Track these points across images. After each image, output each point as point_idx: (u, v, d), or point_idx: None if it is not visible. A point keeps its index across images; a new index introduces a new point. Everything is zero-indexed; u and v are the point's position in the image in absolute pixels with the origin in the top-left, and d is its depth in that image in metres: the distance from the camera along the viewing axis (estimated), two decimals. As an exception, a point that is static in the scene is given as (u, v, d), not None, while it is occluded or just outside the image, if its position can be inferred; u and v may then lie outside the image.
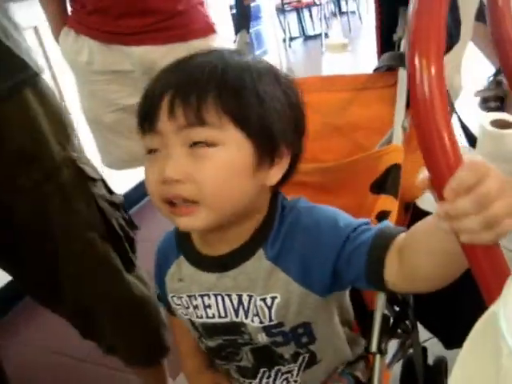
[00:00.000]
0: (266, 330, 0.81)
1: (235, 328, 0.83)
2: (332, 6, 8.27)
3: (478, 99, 3.49)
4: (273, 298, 0.79)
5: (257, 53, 1.30)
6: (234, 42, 1.24)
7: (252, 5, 1.28)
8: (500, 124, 1.07)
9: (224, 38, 1.60)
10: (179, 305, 0.89)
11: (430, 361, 1.44)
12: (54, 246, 1.11)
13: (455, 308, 1.16)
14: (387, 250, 0.74)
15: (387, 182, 0.97)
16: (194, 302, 0.86)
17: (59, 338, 2.04)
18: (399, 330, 1.10)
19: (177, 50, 1.40)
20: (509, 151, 1.01)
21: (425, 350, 1.40)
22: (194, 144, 0.72)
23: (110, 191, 1.20)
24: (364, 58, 2.17)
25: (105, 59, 1.58)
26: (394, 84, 1.07)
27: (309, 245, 0.78)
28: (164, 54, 1.53)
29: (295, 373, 0.89)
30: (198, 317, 0.87)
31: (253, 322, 0.81)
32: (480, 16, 3.08)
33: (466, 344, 0.38)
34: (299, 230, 0.80)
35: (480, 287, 0.52)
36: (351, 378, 0.95)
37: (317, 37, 7.38)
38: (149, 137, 0.75)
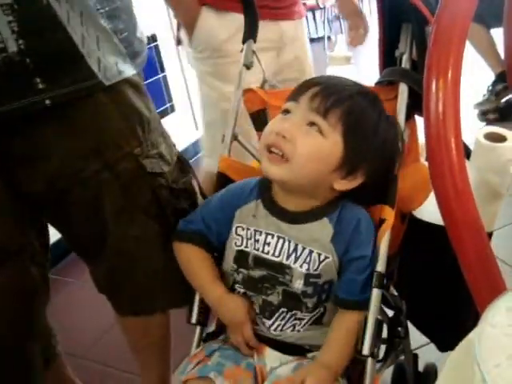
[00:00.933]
0: (306, 277, 1.00)
1: (281, 268, 1.01)
2: (336, 10, 8.30)
3: (476, 111, 3.52)
4: (326, 257, 0.99)
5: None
6: (241, 51, 1.27)
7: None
8: (494, 137, 1.10)
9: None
10: (240, 235, 1.05)
11: (421, 367, 1.47)
12: (105, 223, 1.16)
13: (451, 311, 1.19)
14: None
15: (385, 191, 1.02)
16: (258, 237, 1.03)
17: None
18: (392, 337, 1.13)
19: (285, 27, 1.85)
20: (500, 164, 1.05)
21: (416, 356, 1.44)
22: (311, 124, 0.95)
23: (184, 173, 1.25)
24: (367, 69, 2.21)
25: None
26: (394, 97, 1.11)
27: (352, 238, 1.00)
28: (285, 29, 1.86)
29: (304, 322, 1.02)
30: (255, 249, 1.03)
31: (301, 268, 1.00)
32: (478, 18, 3.11)
33: (446, 365, 0.42)
34: (353, 223, 1.01)
35: (474, 299, 0.56)
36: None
37: (320, 39, 7.42)
38: (290, 102, 1.00)
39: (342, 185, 1.00)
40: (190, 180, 1.26)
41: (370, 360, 0.94)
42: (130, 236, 1.17)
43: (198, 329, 1.11)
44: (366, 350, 0.93)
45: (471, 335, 0.39)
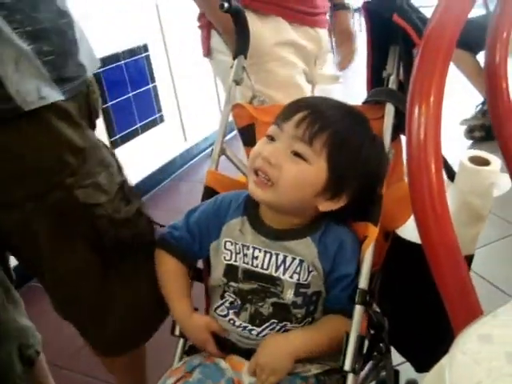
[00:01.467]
0: (297, 287, 1.02)
1: (272, 280, 1.03)
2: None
3: (463, 128, 3.57)
4: (314, 269, 1.02)
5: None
6: (231, 67, 1.29)
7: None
8: (478, 161, 1.12)
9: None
10: (228, 250, 1.07)
11: (402, 383, 1.48)
12: (41, 253, 1.13)
13: (430, 332, 1.21)
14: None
15: (369, 209, 1.04)
16: (246, 251, 1.06)
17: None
18: (374, 353, 1.15)
19: (321, 33, 1.85)
20: (483, 187, 1.07)
21: (397, 372, 1.45)
22: (295, 152, 0.97)
23: (128, 202, 1.22)
24: (355, 88, 2.24)
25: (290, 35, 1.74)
26: (381, 117, 1.13)
27: (337, 257, 1.03)
28: (322, 36, 1.85)
29: None
30: (244, 262, 1.06)
31: (291, 278, 1.02)
32: (463, 44, 3.16)
33: None
34: (336, 244, 1.04)
35: (451, 322, 0.58)
36: None
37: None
38: (275, 128, 1.02)
39: (327, 206, 1.02)
40: (137, 208, 1.23)
41: (350, 376, 0.95)
42: (68, 267, 1.15)
43: (181, 341, 1.12)
44: (347, 366, 0.94)
45: (443, 360, 0.40)
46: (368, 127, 1.05)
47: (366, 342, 1.03)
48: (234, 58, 1.30)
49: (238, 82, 1.28)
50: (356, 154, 1.00)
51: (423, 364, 1.28)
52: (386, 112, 1.11)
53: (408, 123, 0.58)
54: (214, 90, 4.01)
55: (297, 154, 0.98)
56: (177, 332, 1.11)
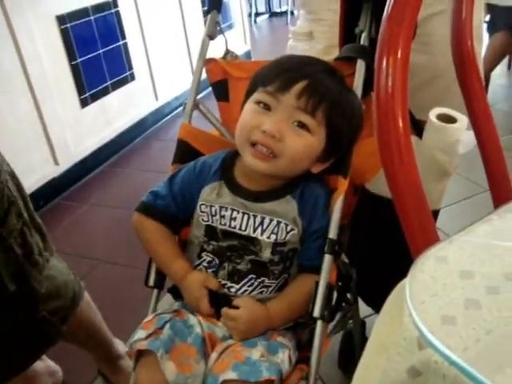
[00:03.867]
0: (274, 247, 1.04)
1: (249, 240, 1.05)
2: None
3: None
4: (292, 229, 1.04)
5: (222, 26, 1.31)
6: (205, 22, 1.28)
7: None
8: (445, 118, 1.15)
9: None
10: (204, 212, 1.08)
11: (368, 334, 1.54)
12: None
13: (395, 284, 1.25)
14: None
15: (340, 163, 1.07)
16: (223, 213, 1.06)
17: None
18: (342, 304, 1.19)
19: None
20: (450, 144, 1.10)
21: (363, 323, 1.51)
22: (298, 123, 0.99)
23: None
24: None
25: None
26: (352, 74, 1.14)
27: (312, 213, 1.05)
28: None
29: (270, 289, 1.07)
30: (221, 224, 1.06)
31: (268, 239, 1.04)
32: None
33: (382, 310, 0.47)
34: (312, 200, 1.06)
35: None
36: (295, 336, 1.06)
37: (283, 14, 7.40)
38: (268, 96, 1.01)
39: (319, 168, 1.06)
40: None
41: (319, 322, 0.99)
42: None
43: (155, 292, 1.14)
44: (316, 313, 0.98)
45: (403, 281, 0.44)
46: (344, 82, 1.08)
47: (335, 294, 1.07)
48: (207, 13, 1.29)
49: (211, 37, 1.27)
50: (350, 118, 1.04)
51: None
52: (358, 68, 1.12)
53: (377, 71, 0.60)
54: (186, 49, 3.96)
55: (300, 125, 0.99)
56: (151, 282, 1.13)
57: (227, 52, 1.32)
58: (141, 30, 3.51)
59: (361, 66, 1.12)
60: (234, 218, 1.06)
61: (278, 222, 1.05)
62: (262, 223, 1.05)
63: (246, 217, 1.06)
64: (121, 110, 3.40)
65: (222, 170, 1.10)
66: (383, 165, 0.65)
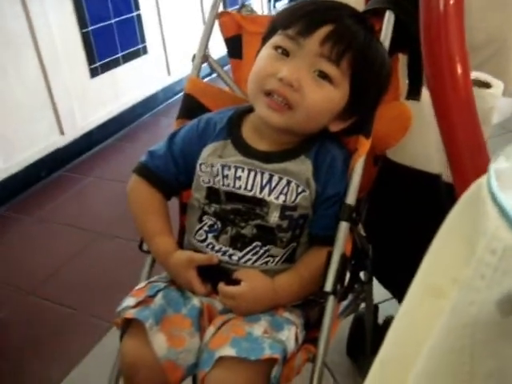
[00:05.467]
0: (282, 210, 0.93)
1: (256, 201, 0.94)
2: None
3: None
4: (303, 190, 0.93)
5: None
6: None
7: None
8: (478, 83, 1.06)
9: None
10: (205, 172, 0.98)
11: (381, 320, 1.44)
12: None
13: (415, 265, 1.15)
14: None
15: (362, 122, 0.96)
16: (226, 172, 0.96)
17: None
18: (355, 285, 1.09)
19: None
20: (483, 112, 1.00)
21: (376, 307, 1.40)
22: (320, 73, 0.88)
23: None
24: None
25: None
26: (378, 30, 1.03)
27: (327, 176, 0.95)
28: None
29: (277, 259, 0.96)
30: (224, 185, 0.96)
31: (277, 200, 0.93)
32: None
33: (441, 229, 0.35)
34: (327, 161, 0.96)
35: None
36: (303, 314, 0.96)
37: (304, 0, 7.25)
38: (288, 40, 0.89)
39: (338, 126, 0.96)
40: None
41: (331, 298, 0.89)
42: None
43: (149, 258, 1.04)
44: (328, 287, 0.88)
45: (478, 181, 0.31)
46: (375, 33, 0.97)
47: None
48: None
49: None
50: (378, 71, 0.93)
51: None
52: (386, 20, 1.00)
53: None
54: (201, 25, 3.85)
55: (322, 75, 0.88)
56: (145, 247, 1.03)
57: (242, 5, 1.22)
58: (156, 2, 3.40)
59: (389, 18, 1.01)
60: (239, 177, 0.95)
61: (288, 182, 0.94)
62: (270, 181, 0.94)
63: (252, 174, 0.95)
64: (131, 83, 3.29)
65: (229, 128, 0.99)
66: (431, 83, 0.53)
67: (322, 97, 0.89)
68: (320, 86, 0.89)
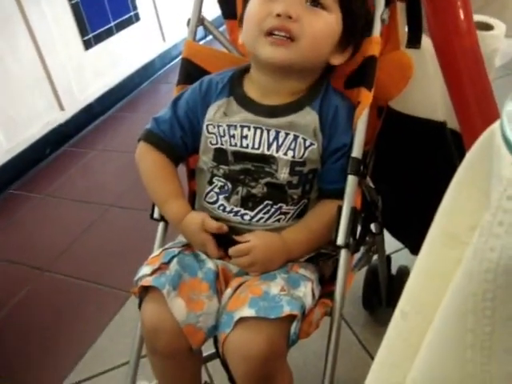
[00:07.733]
0: (292, 165, 0.94)
1: (264, 159, 0.95)
2: None
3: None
4: (311, 143, 0.94)
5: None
6: None
7: None
8: (480, 26, 1.03)
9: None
10: (212, 133, 0.98)
11: (394, 271, 1.45)
12: None
13: (427, 212, 1.15)
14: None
15: (363, 73, 0.96)
16: (232, 132, 0.96)
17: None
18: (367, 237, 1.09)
19: None
20: (486, 54, 0.98)
21: (389, 258, 1.41)
22: (312, 2, 0.91)
23: None
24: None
25: None
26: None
27: (332, 127, 0.96)
28: None
29: (288, 216, 0.97)
30: (231, 145, 0.96)
31: (285, 155, 0.94)
32: None
33: (454, 179, 0.35)
34: (331, 111, 0.96)
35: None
36: (317, 269, 0.96)
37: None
38: None
39: (338, 59, 0.98)
40: None
41: (344, 251, 0.90)
42: None
43: (161, 225, 1.05)
44: (340, 240, 0.89)
45: (491, 127, 0.31)
46: None
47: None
48: None
49: None
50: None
51: (419, 245, 1.23)
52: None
53: None
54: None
55: (314, 4, 0.91)
56: (156, 215, 1.03)
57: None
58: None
59: (385, -35, 0.99)
60: (246, 136, 0.95)
61: (295, 137, 0.94)
62: (276, 138, 0.94)
63: (258, 132, 0.95)
64: (126, 52, 3.25)
65: (231, 86, 0.99)
66: (433, 30, 0.52)
67: (321, 23, 0.91)
68: (315, 14, 0.91)
